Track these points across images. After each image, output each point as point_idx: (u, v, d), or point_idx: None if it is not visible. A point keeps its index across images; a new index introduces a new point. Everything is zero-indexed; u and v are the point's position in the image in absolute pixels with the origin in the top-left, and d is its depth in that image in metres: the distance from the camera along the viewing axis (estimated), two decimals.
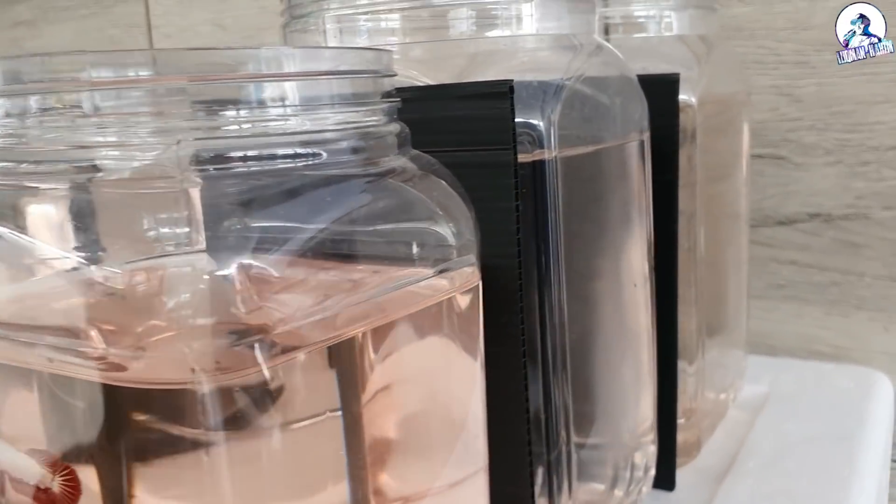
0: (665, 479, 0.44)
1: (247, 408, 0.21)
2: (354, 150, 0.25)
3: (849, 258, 0.58)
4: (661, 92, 0.40)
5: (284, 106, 0.23)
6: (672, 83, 0.40)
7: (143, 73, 0.22)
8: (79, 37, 0.92)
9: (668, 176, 0.41)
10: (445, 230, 0.27)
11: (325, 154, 0.24)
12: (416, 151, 0.28)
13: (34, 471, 0.24)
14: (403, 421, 0.28)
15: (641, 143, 0.39)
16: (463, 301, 0.28)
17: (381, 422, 0.27)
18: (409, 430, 0.28)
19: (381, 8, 0.34)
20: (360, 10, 0.34)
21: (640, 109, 0.38)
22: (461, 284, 0.28)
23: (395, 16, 0.34)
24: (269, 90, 0.23)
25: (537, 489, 0.33)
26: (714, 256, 0.47)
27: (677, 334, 0.42)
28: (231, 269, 0.19)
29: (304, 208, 0.23)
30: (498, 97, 0.29)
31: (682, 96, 0.42)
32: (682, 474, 0.45)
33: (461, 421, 0.29)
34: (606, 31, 0.46)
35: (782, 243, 0.60)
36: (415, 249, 0.27)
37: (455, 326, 0.28)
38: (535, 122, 0.31)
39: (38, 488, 0.24)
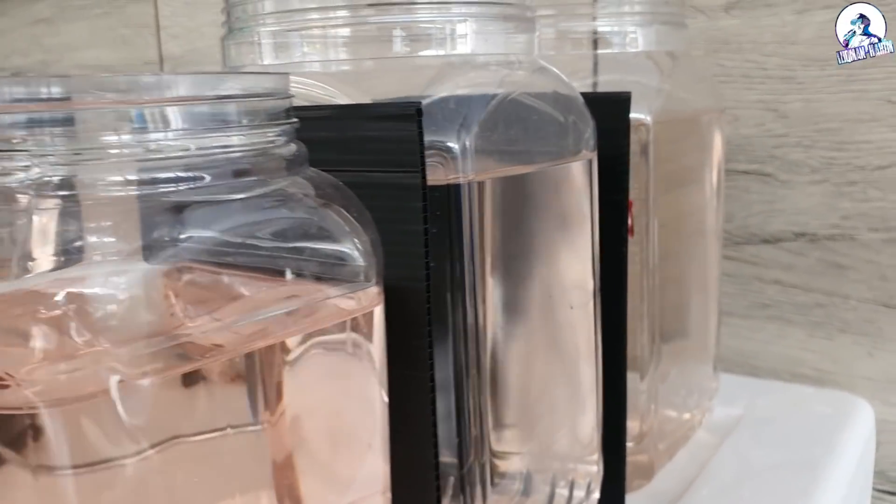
0: (611, 502, 0.43)
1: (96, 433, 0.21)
2: (238, 173, 0.25)
3: (834, 280, 0.57)
4: (610, 111, 0.39)
5: (162, 131, 0.24)
6: (622, 102, 0.39)
7: (19, 94, 0.22)
8: (93, 35, 0.93)
9: (617, 196, 0.40)
10: (335, 250, 0.27)
11: (207, 177, 0.25)
12: (314, 171, 0.28)
13: None
14: (303, 441, 0.28)
15: (589, 163, 0.39)
16: (362, 322, 0.28)
17: (279, 441, 0.27)
18: (309, 450, 0.28)
19: (314, 25, 0.34)
20: (293, 27, 0.34)
21: (586, 129, 0.38)
22: (358, 306, 0.28)
23: (327, 32, 0.34)
24: (147, 114, 0.23)
25: None
26: (674, 272, 0.46)
27: (625, 353, 0.41)
28: (61, 297, 0.20)
29: (170, 228, 0.23)
30: (406, 119, 0.29)
31: (637, 114, 0.41)
32: (633, 499, 0.44)
33: (361, 442, 0.29)
34: (575, 46, 0.46)
35: (767, 262, 0.59)
36: (301, 269, 0.27)
37: (355, 348, 0.28)
38: (450, 144, 0.30)
39: None
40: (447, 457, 0.32)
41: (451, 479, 0.33)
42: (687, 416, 0.50)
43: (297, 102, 0.29)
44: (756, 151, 0.57)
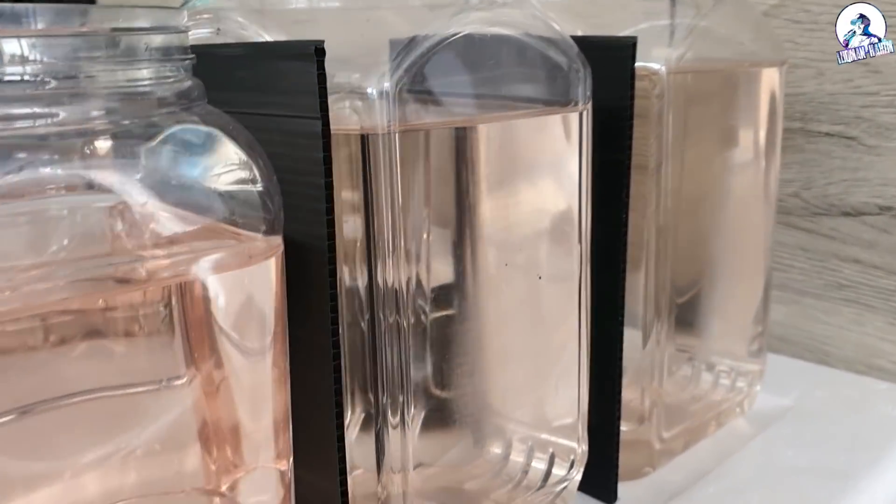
0: (602, 487, 0.39)
1: None
2: (111, 111, 0.23)
3: None
4: (610, 59, 0.35)
5: (29, 63, 0.22)
6: (625, 48, 0.35)
7: None
8: None
9: (617, 155, 0.36)
10: (215, 192, 0.25)
11: (63, 113, 0.23)
12: (212, 110, 0.26)
13: None
14: (219, 397, 0.27)
15: (579, 116, 0.34)
16: (256, 273, 0.26)
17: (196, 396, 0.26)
18: (223, 406, 0.27)
19: None
20: None
21: (574, 77, 0.34)
22: (251, 255, 0.26)
23: None
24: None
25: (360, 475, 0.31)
26: (699, 237, 0.41)
27: (621, 326, 0.37)
28: None
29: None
30: (305, 58, 0.26)
31: (648, 63, 0.36)
32: (629, 488, 0.40)
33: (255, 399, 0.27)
34: None
35: (846, 237, 0.52)
36: (186, 211, 0.25)
37: (246, 301, 0.26)
38: (368, 88, 0.27)
39: None
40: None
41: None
42: (717, 398, 0.45)
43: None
44: (841, 111, 0.50)
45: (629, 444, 0.41)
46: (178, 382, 0.27)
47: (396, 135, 0.28)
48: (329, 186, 0.27)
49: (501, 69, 0.32)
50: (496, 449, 0.35)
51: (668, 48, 0.37)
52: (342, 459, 0.29)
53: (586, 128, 0.35)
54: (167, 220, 0.25)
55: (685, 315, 0.42)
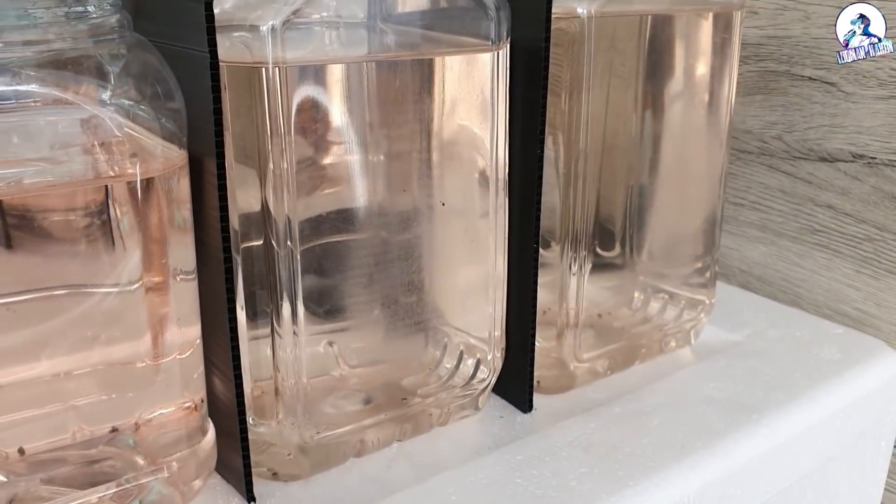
0: (519, 398, 0.43)
1: None
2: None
3: (889, 213, 0.49)
4: (530, 0, 0.37)
5: None
6: None
7: None
8: None
9: (532, 93, 0.38)
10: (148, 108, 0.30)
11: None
12: (138, 38, 0.31)
13: None
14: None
15: (495, 55, 0.37)
16: (171, 181, 0.31)
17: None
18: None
19: None
20: None
21: (492, 16, 0.36)
22: (165, 166, 0.31)
23: None
24: None
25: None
26: (623, 167, 0.43)
27: (537, 248, 0.40)
28: None
29: None
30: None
31: (569, 4, 0.38)
32: (550, 400, 0.44)
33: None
34: None
35: (822, 183, 0.52)
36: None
37: (158, 204, 0.31)
38: (258, 24, 0.31)
39: None
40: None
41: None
42: (658, 324, 0.47)
43: None
44: (824, 56, 0.50)
45: (553, 362, 0.44)
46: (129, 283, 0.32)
47: (286, 69, 0.31)
48: (217, 112, 0.31)
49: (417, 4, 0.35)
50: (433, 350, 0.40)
51: None
52: (236, 357, 0.34)
53: (503, 66, 0.37)
54: (120, 129, 0.30)
55: (630, 242, 0.45)
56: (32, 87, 0.28)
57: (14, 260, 0.30)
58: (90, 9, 0.30)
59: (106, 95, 0.30)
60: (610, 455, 0.39)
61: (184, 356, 0.33)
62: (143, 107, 0.30)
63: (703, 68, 0.44)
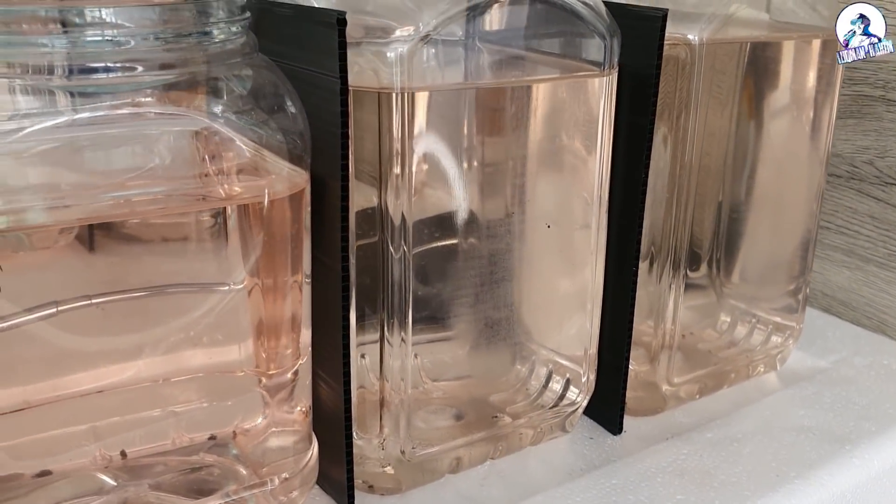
0: (610, 419, 0.43)
1: None
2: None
3: None
4: (641, 28, 0.37)
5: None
6: (655, 20, 0.37)
7: None
8: None
9: (640, 119, 0.38)
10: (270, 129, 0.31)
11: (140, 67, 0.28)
12: (263, 59, 0.31)
13: None
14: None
15: (607, 81, 0.37)
16: (287, 202, 0.32)
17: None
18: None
19: None
20: None
21: (603, 43, 0.36)
22: (287, 186, 0.31)
23: None
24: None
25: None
26: (730, 194, 0.43)
27: (636, 272, 0.40)
28: None
29: None
30: (329, 26, 0.30)
31: (682, 33, 0.38)
32: (639, 423, 0.44)
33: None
34: None
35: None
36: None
37: (286, 221, 0.32)
38: (388, 53, 0.32)
39: None
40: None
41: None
42: (746, 349, 0.47)
43: None
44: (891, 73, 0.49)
45: (642, 383, 0.44)
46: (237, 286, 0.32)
47: (411, 94, 0.32)
48: (345, 136, 0.31)
49: (536, 33, 0.35)
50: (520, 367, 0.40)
51: (708, 19, 0.38)
52: (347, 364, 0.34)
53: (612, 91, 0.38)
54: (239, 148, 0.30)
55: (717, 263, 0.45)
56: (162, 108, 0.29)
57: (116, 260, 0.30)
58: (218, 31, 0.30)
59: (233, 117, 0.31)
60: (705, 482, 0.39)
61: (296, 364, 0.34)
62: (269, 129, 0.31)
63: (805, 92, 0.44)
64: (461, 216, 0.36)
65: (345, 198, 0.32)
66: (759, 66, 0.42)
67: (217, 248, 0.32)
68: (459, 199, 0.35)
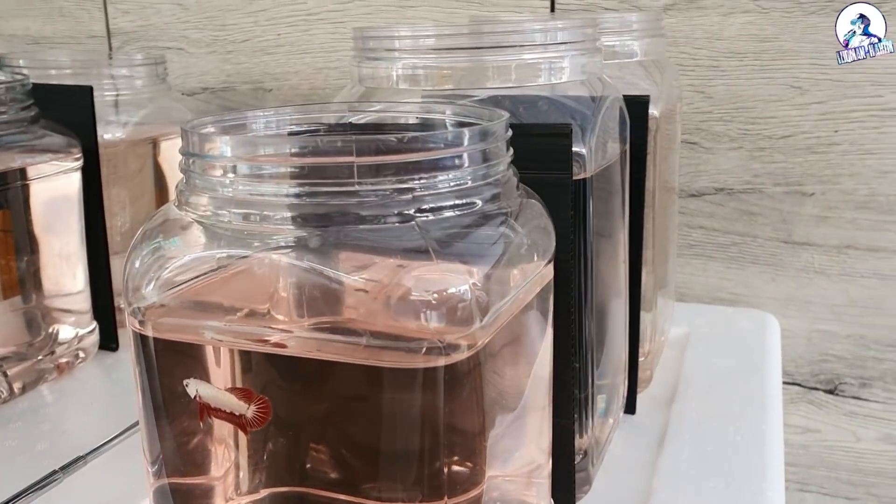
0: (628, 405, 0.57)
1: None
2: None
3: (746, 224, 0.73)
4: (636, 110, 0.52)
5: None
6: (643, 104, 0.52)
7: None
8: (20, 5, 0.94)
9: (639, 175, 0.53)
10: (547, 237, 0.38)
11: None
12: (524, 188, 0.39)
13: (233, 402, 0.33)
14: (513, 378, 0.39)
15: (625, 153, 0.51)
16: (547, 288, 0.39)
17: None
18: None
19: (444, 60, 0.43)
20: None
21: (625, 126, 0.50)
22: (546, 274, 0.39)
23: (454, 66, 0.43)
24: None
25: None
26: (661, 226, 0.60)
27: (640, 293, 0.55)
28: None
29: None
30: (563, 136, 0.40)
31: (652, 111, 0.54)
32: (639, 400, 0.58)
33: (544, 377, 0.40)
34: None
35: (693, 212, 0.74)
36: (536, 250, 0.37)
37: (541, 307, 0.39)
38: (580, 150, 0.42)
39: (233, 414, 0.33)
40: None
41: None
42: (662, 337, 0.64)
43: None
44: (686, 125, 0.72)
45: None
46: None
47: (593, 178, 0.42)
48: (573, 217, 0.41)
49: (614, 125, 0.47)
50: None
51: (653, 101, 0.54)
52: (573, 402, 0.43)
53: (628, 159, 0.52)
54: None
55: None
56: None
57: None
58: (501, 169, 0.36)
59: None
60: (729, 419, 0.55)
61: None
62: (538, 246, 0.37)
63: (678, 144, 0.62)
64: (609, 271, 0.47)
65: (571, 276, 0.41)
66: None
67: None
68: (608, 264, 0.46)
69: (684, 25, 0.70)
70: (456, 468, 0.33)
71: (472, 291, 0.30)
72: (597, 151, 0.43)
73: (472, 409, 0.32)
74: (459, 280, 0.30)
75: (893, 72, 0.65)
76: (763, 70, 0.69)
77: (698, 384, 0.60)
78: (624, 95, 0.51)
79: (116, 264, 0.68)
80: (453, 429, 0.32)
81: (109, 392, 0.64)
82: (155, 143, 0.77)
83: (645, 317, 0.57)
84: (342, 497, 0.34)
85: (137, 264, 0.34)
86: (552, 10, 0.74)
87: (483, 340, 0.31)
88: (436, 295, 0.30)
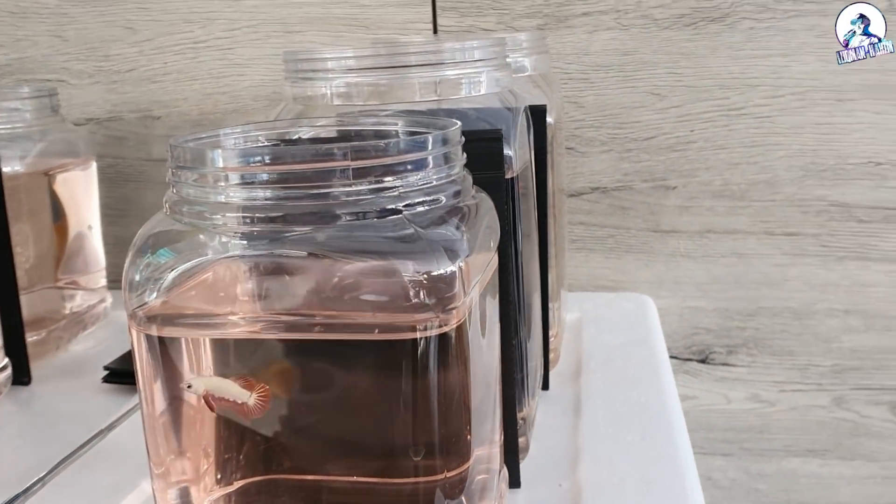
0: (544, 382, 0.63)
1: None
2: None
3: (619, 218, 0.82)
4: (537, 118, 0.58)
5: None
6: (543, 112, 0.58)
7: None
8: None
9: (541, 177, 0.60)
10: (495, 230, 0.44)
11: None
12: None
13: (235, 391, 0.37)
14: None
15: (531, 158, 0.57)
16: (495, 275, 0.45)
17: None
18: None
19: (374, 77, 0.49)
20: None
21: (531, 133, 0.57)
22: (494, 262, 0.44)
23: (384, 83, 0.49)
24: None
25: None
26: (559, 224, 0.67)
27: (548, 286, 0.61)
28: None
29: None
30: (496, 140, 0.46)
31: (549, 119, 0.61)
32: (550, 377, 0.65)
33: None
34: None
35: (574, 210, 0.82)
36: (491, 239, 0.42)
37: (492, 292, 0.45)
38: (508, 152, 0.48)
39: (236, 402, 0.37)
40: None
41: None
42: (562, 323, 0.71)
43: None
44: (563, 133, 0.80)
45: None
46: None
47: (517, 178, 0.48)
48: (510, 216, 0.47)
49: (525, 132, 0.54)
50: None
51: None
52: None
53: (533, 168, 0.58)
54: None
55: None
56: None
57: None
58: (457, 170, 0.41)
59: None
60: (632, 385, 0.62)
61: None
62: (493, 236, 0.43)
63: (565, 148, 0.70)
64: (529, 267, 0.53)
65: (511, 269, 0.47)
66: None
67: None
68: (527, 255, 0.53)
69: (556, 43, 0.78)
70: (449, 438, 0.38)
71: (459, 273, 0.36)
72: (519, 154, 0.50)
73: (461, 379, 0.37)
74: (447, 263, 0.36)
75: (737, 75, 0.76)
76: (626, 80, 0.78)
77: (598, 359, 0.67)
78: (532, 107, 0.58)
79: (24, 300, 0.68)
80: (447, 399, 0.37)
81: (32, 424, 0.65)
82: (49, 176, 0.77)
83: (552, 306, 0.64)
84: (349, 479, 0.38)
85: (137, 277, 0.37)
86: (434, 32, 0.80)
87: (465, 315, 0.36)
88: (426, 276, 0.35)
